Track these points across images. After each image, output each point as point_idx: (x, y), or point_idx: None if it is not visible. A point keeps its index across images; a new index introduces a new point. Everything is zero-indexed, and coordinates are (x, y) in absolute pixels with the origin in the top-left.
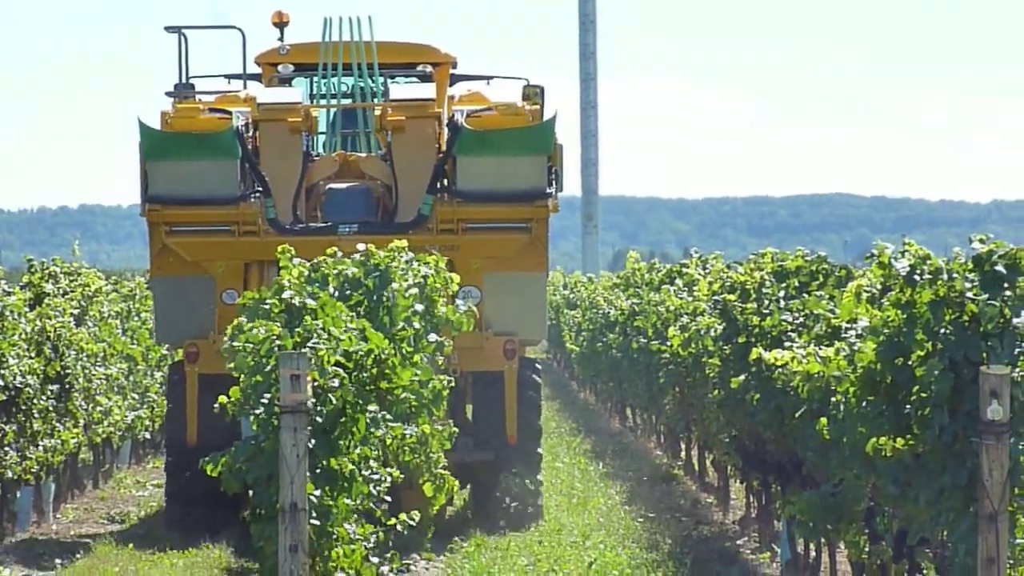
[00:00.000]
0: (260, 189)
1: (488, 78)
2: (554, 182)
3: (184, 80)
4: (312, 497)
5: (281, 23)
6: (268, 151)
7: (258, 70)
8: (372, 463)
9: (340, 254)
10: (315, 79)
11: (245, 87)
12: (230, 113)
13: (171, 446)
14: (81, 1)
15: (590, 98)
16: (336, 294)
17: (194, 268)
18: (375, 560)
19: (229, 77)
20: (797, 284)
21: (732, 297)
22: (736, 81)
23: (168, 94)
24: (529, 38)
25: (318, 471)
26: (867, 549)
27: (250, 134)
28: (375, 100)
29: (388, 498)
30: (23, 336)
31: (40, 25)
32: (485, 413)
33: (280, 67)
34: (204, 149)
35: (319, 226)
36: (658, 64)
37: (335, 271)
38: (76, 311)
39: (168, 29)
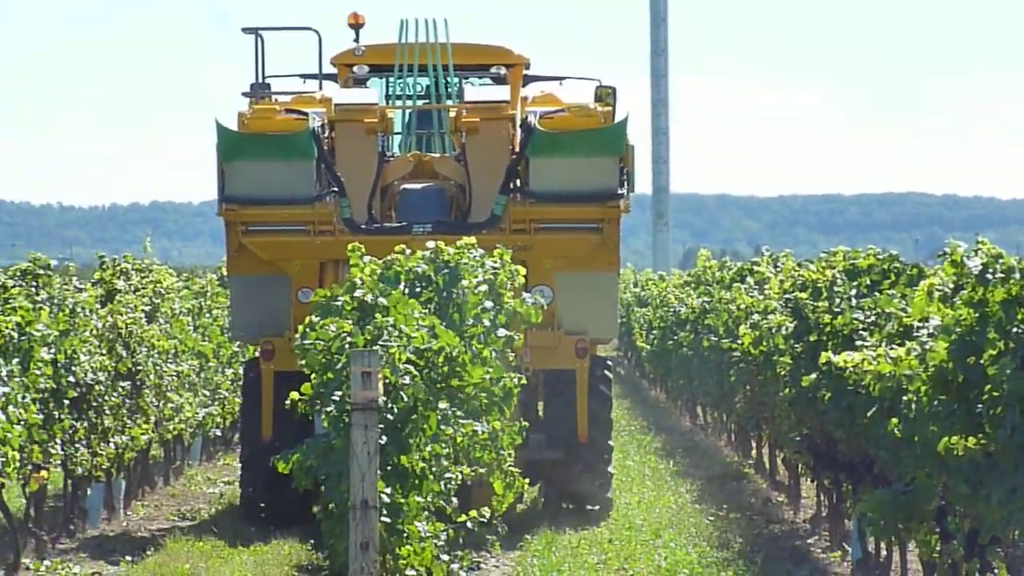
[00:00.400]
0: (336, 189)
1: (560, 79)
2: (626, 183)
3: (260, 80)
4: (383, 495)
5: (357, 25)
6: (344, 151)
7: (334, 71)
8: (443, 460)
9: (409, 252)
10: (390, 80)
11: (321, 88)
12: (306, 114)
13: (246, 441)
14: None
15: (661, 95)
16: (407, 291)
17: (270, 267)
18: (445, 558)
19: (304, 77)
20: (869, 282)
21: (803, 295)
22: (808, 78)
23: (244, 94)
24: (600, 35)
25: (389, 468)
26: (938, 548)
27: (326, 134)
28: (450, 101)
29: (456, 499)
30: (94, 333)
31: (111, 23)
32: (556, 411)
33: (355, 68)
34: (281, 150)
35: (394, 226)
36: (730, 60)
37: (405, 268)
38: (147, 308)
39: (245, 30)
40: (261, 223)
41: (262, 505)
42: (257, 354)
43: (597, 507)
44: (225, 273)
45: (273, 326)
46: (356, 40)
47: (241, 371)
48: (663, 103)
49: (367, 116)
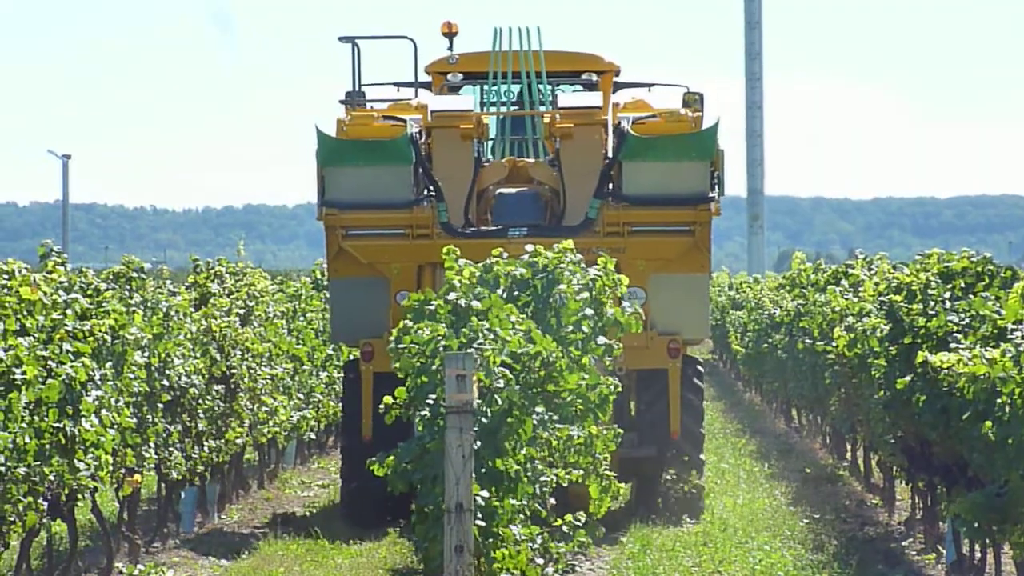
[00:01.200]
0: (433, 193)
1: (649, 85)
2: (716, 186)
3: (356, 88)
4: (477, 497)
5: (450, 33)
6: (441, 157)
7: (428, 78)
8: (537, 464)
9: (506, 256)
10: (485, 87)
11: (416, 95)
12: (403, 120)
13: (347, 442)
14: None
15: (755, 98)
16: (504, 295)
17: (369, 270)
18: (540, 561)
19: (399, 85)
20: (963, 285)
21: (898, 298)
22: (903, 80)
23: (341, 101)
24: (695, 38)
25: (483, 472)
26: None
27: (423, 140)
28: (544, 108)
29: (553, 499)
30: (188, 336)
31: (204, 27)
32: (649, 410)
33: (449, 76)
34: (379, 155)
35: (490, 229)
36: (824, 62)
37: (504, 272)
38: (241, 311)
39: (342, 39)
40: (360, 227)
41: (363, 508)
42: (357, 356)
43: (692, 500)
44: (320, 276)
45: (372, 328)
46: (450, 48)
47: (342, 372)
48: (757, 106)
49: (463, 122)
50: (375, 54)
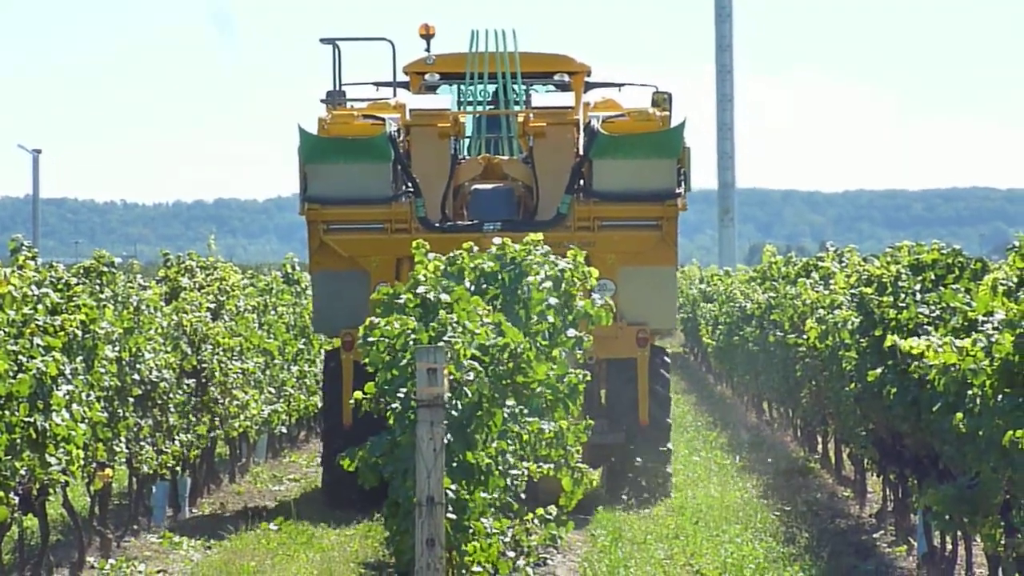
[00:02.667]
0: (411, 189)
1: (620, 85)
2: (683, 183)
3: (337, 88)
4: (448, 491)
5: (428, 35)
6: (419, 154)
7: (406, 79)
8: (509, 457)
9: (476, 249)
10: (461, 87)
11: (395, 95)
12: (383, 119)
13: (327, 429)
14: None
15: (726, 91)
16: (472, 288)
17: (350, 263)
18: (511, 554)
19: (378, 85)
20: (933, 277)
21: (869, 290)
22: (873, 73)
23: (323, 101)
24: (665, 32)
25: (454, 465)
26: (1003, 542)
27: (401, 138)
28: (518, 107)
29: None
30: (159, 331)
31: (174, 23)
32: (618, 397)
33: (427, 76)
34: (359, 152)
35: (466, 224)
36: (794, 55)
37: (471, 265)
38: (212, 305)
39: (323, 41)
40: (341, 222)
41: (343, 490)
42: (338, 345)
43: (660, 483)
44: (291, 270)
45: (353, 318)
46: (427, 50)
47: (323, 362)
48: (728, 99)
49: (440, 121)
50: (355, 55)
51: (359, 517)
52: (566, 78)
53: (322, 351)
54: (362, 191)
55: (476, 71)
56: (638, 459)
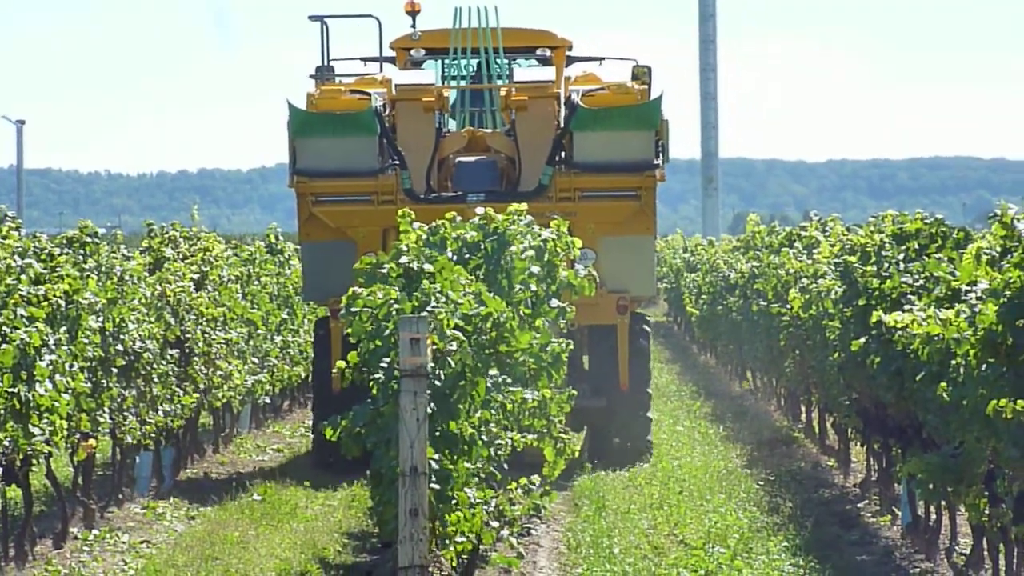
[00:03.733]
0: (397, 162)
1: (600, 59)
2: (660, 154)
3: (326, 63)
4: (432, 461)
5: (413, 12)
6: (404, 128)
7: (393, 54)
8: (492, 427)
9: (459, 218)
10: (445, 62)
11: (381, 70)
12: (369, 94)
13: (317, 395)
14: None
15: (709, 60)
16: (455, 258)
17: (338, 233)
18: (495, 524)
19: (366, 60)
20: (917, 246)
21: (852, 259)
22: (858, 42)
23: (311, 76)
24: (649, 2)
25: (438, 435)
26: (987, 512)
27: (387, 112)
28: (500, 81)
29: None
30: (143, 301)
31: (148, 6)
32: (600, 363)
33: (413, 52)
34: (346, 127)
35: (450, 195)
36: (778, 24)
37: (454, 235)
38: (196, 276)
39: (312, 18)
40: (329, 194)
41: (332, 454)
42: (327, 314)
43: (640, 448)
44: (274, 240)
45: (341, 288)
46: (413, 26)
47: (313, 328)
48: (712, 68)
49: (425, 95)
50: (343, 32)
51: (343, 485)
52: (548, 53)
53: (305, 320)
54: (349, 164)
55: (460, 46)
56: (620, 424)
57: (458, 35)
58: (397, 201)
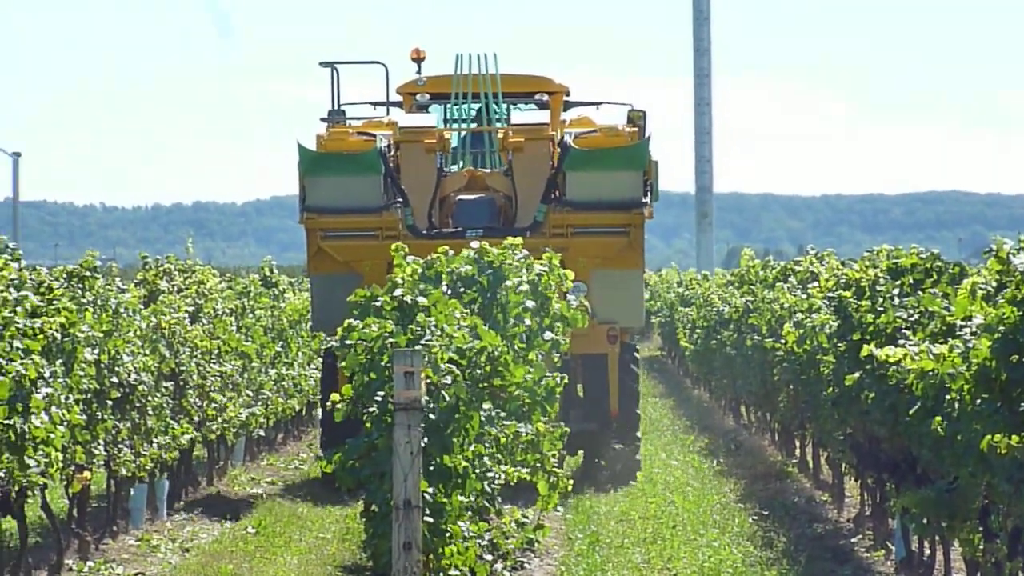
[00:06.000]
0: (400, 200)
1: (598, 104)
2: (649, 193)
3: (336, 107)
4: (426, 494)
5: (418, 58)
6: (408, 168)
7: (399, 98)
8: (486, 460)
9: (451, 252)
10: (448, 106)
11: (388, 113)
12: (374, 136)
13: (325, 423)
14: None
15: (704, 95)
16: (449, 292)
17: (344, 267)
18: (489, 557)
19: (375, 104)
20: (912, 281)
21: (847, 294)
22: (851, 77)
23: (322, 119)
24: (643, 34)
25: (431, 468)
26: (981, 547)
27: (392, 153)
28: (499, 124)
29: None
30: (138, 333)
31: (151, 27)
32: (592, 390)
33: (418, 96)
34: (353, 166)
35: (450, 231)
36: (773, 60)
37: (448, 269)
38: (190, 308)
39: (323, 64)
40: (336, 229)
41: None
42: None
43: (629, 469)
44: (269, 273)
45: (348, 318)
46: (418, 72)
47: (321, 358)
48: (706, 103)
49: (427, 137)
50: (352, 77)
51: (337, 518)
52: (545, 97)
53: (300, 354)
54: (355, 201)
55: (462, 91)
56: (611, 446)
57: (460, 81)
58: (400, 236)
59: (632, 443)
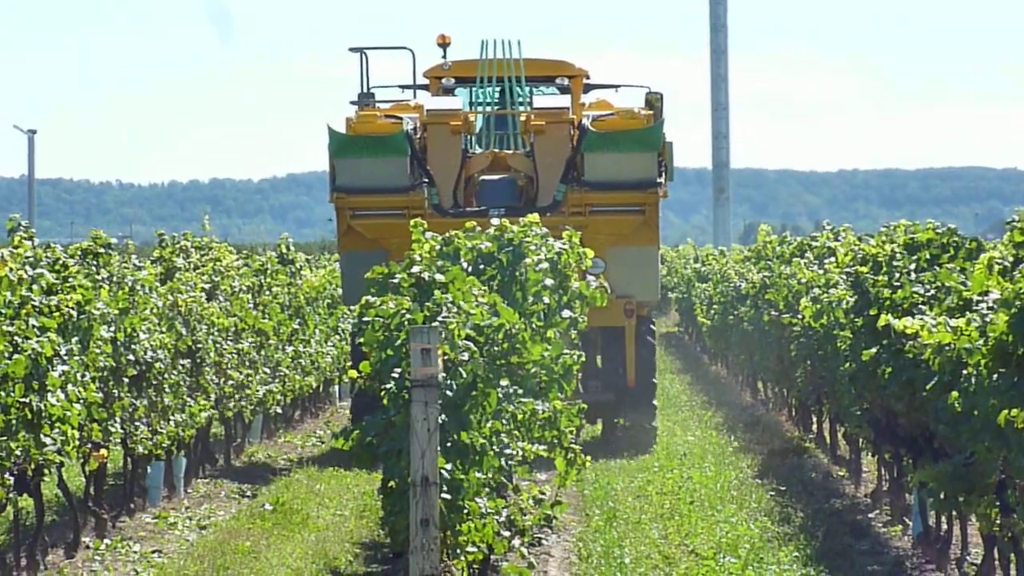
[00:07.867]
0: (426, 180)
1: (616, 87)
2: (663, 173)
3: (366, 91)
4: (443, 471)
5: (444, 44)
6: (433, 149)
7: (426, 82)
8: (503, 437)
9: (478, 229)
10: (473, 89)
11: (415, 96)
12: (401, 118)
13: (356, 396)
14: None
15: (720, 71)
16: (469, 269)
17: (373, 244)
18: (506, 534)
19: (403, 88)
20: (928, 256)
21: (864, 269)
22: (869, 52)
23: (352, 103)
24: (662, 13)
25: (449, 445)
26: (998, 521)
27: (418, 135)
28: (522, 108)
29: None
30: (154, 311)
31: (168, 3)
32: (609, 361)
33: (444, 80)
34: (380, 148)
35: (474, 210)
36: (792, 34)
37: (468, 245)
38: (207, 286)
39: (352, 50)
40: (365, 208)
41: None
42: None
43: (646, 436)
44: (285, 250)
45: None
46: (444, 56)
47: (350, 335)
48: (723, 78)
49: (453, 120)
50: (380, 62)
51: (354, 495)
52: (566, 81)
53: (316, 331)
54: (383, 181)
55: (486, 75)
56: (628, 415)
57: (485, 65)
58: (426, 215)
59: (649, 411)
